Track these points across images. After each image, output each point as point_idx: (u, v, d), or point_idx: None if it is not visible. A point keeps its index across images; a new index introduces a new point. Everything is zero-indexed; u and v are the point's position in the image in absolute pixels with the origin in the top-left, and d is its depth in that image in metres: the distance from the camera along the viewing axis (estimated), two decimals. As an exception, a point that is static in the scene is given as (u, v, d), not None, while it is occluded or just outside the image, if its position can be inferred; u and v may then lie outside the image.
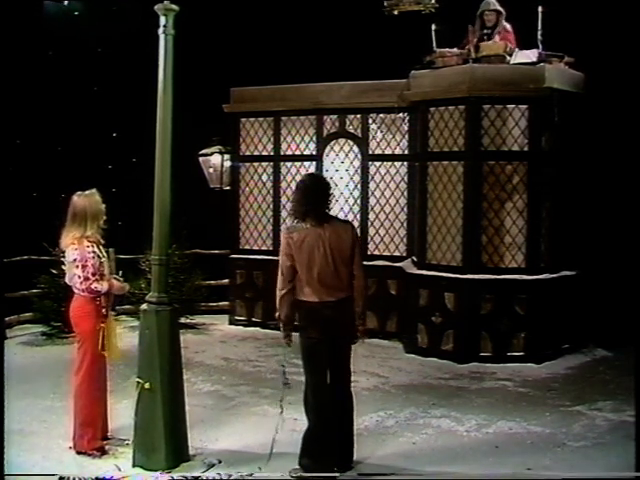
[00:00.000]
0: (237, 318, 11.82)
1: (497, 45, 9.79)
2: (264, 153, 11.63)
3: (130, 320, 10.03)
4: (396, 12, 9.50)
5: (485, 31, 10.08)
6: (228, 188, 12.08)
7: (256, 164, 11.68)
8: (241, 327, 11.64)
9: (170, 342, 5.97)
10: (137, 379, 5.94)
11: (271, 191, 11.60)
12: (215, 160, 12.14)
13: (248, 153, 11.74)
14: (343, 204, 10.92)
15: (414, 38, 10.09)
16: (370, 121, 10.92)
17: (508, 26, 10.03)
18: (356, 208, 10.98)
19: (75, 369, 6.38)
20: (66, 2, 9.51)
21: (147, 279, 9.47)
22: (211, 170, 12.17)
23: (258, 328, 11.39)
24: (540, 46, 9.57)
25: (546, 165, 9.69)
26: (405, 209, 10.77)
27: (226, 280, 12.12)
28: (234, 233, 11.87)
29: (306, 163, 11.24)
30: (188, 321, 11.10)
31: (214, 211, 12.03)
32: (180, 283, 11.06)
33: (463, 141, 9.66)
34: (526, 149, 9.59)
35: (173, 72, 5.96)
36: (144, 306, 6.04)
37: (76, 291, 6.33)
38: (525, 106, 9.53)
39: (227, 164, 12.06)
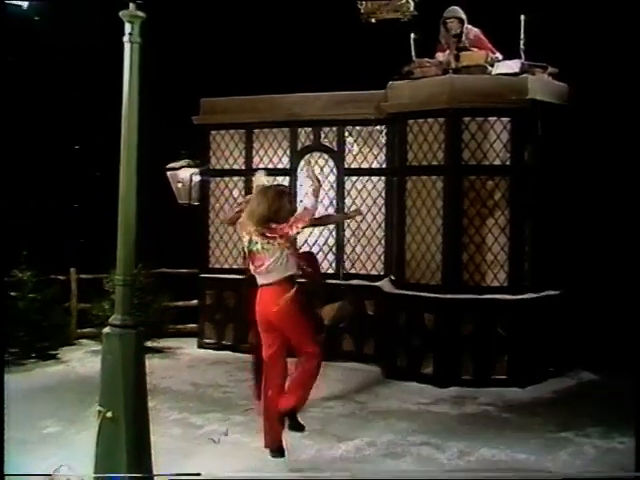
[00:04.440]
0: (206, 341, 11.61)
1: (478, 55, 9.71)
2: (235, 167, 11.46)
3: (92, 344, 9.80)
4: (373, 20, 9.39)
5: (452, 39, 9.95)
6: (197, 204, 11.93)
7: (227, 179, 11.52)
8: (211, 351, 11.42)
9: (135, 368, 5.73)
10: (98, 408, 5.67)
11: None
12: (183, 174, 12.01)
13: (218, 167, 11.57)
14: (318, 220, 10.75)
15: (392, 47, 10.05)
16: (346, 134, 10.78)
17: (475, 31, 9.89)
18: (331, 225, 10.70)
19: None
20: (25, 6, 9.21)
21: (111, 300, 9.24)
22: (179, 185, 12.04)
23: (228, 352, 11.17)
24: (523, 56, 9.50)
25: (529, 180, 9.59)
26: (382, 226, 10.62)
27: (195, 301, 11.95)
28: (203, 251, 11.65)
29: (279, 177, 10.98)
30: (154, 345, 10.87)
31: (182, 228, 11.90)
32: (146, 304, 10.81)
33: (443, 155, 9.54)
34: (508, 163, 9.49)
35: (139, 82, 5.77)
36: (107, 329, 5.78)
37: None
38: (507, 118, 9.46)
39: (196, 179, 11.93)
